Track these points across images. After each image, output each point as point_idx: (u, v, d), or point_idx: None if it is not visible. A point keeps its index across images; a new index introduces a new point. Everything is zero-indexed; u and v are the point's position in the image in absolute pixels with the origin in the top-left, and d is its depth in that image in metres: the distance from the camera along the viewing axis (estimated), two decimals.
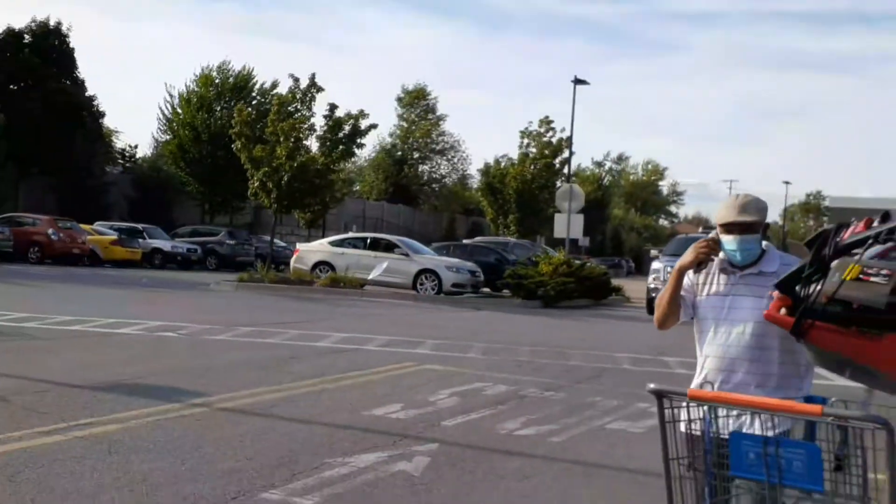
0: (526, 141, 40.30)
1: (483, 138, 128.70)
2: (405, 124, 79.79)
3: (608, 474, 6.25)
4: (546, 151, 39.91)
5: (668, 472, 3.09)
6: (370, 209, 64.12)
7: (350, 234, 29.40)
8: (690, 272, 3.64)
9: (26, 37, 45.59)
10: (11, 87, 43.54)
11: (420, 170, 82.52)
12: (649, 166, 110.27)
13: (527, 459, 6.46)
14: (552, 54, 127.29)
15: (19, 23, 47.12)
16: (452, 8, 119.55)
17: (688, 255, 3.60)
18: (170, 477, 5.46)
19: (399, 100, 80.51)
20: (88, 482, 5.26)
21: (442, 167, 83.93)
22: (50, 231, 31.96)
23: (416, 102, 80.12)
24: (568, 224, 25.46)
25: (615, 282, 28.65)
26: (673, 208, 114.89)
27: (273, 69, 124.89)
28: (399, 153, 78.25)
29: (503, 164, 42.04)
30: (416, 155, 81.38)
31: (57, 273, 26.50)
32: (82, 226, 34.26)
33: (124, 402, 7.50)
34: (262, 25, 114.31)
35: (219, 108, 48.47)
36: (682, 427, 3.11)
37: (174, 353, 10.74)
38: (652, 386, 3.04)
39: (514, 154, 41.51)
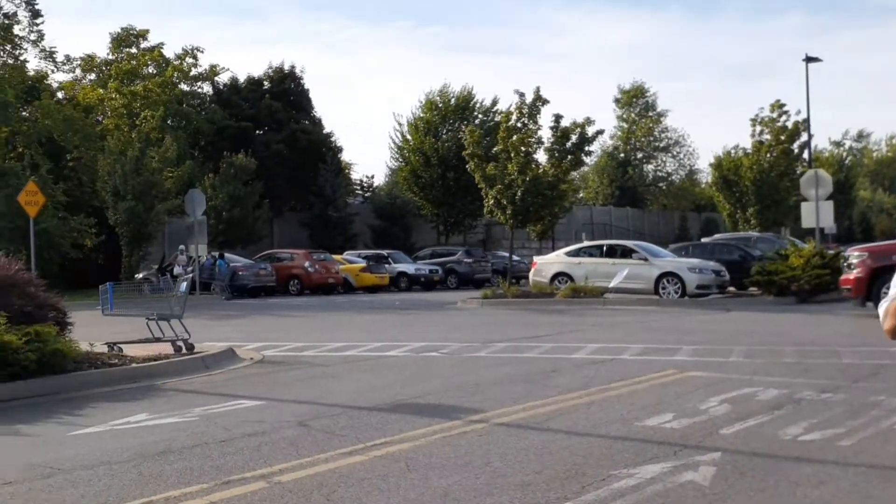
0: (759, 128, 38.62)
1: (709, 130, 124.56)
2: (625, 124, 78.75)
3: None
4: (781, 137, 38.05)
5: None
6: (597, 215, 63.75)
7: (586, 243, 29.47)
8: None
9: (265, 83, 49.37)
10: (258, 132, 47.23)
11: (645, 169, 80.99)
12: (894, 140, 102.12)
13: (819, 465, 6.28)
14: (771, 33, 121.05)
15: (257, 70, 51.02)
16: None
17: None
18: (469, 491, 5.78)
19: (616, 100, 79.57)
20: (396, 498, 5.67)
21: (668, 164, 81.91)
22: (307, 264, 34.31)
23: (635, 101, 78.84)
24: (816, 212, 24.19)
25: None
26: None
27: (489, 85, 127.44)
28: (622, 155, 77.24)
29: (736, 154, 40.51)
30: (639, 155, 80.00)
31: (317, 302, 28.39)
32: (334, 256, 36.49)
33: (410, 422, 8.00)
34: (471, 43, 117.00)
35: (444, 131, 50.14)
36: None
37: (442, 373, 11.28)
38: None
39: (747, 143, 39.92)
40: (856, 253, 19.13)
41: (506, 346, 13.86)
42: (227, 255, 34.08)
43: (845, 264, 19.58)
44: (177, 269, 29.61)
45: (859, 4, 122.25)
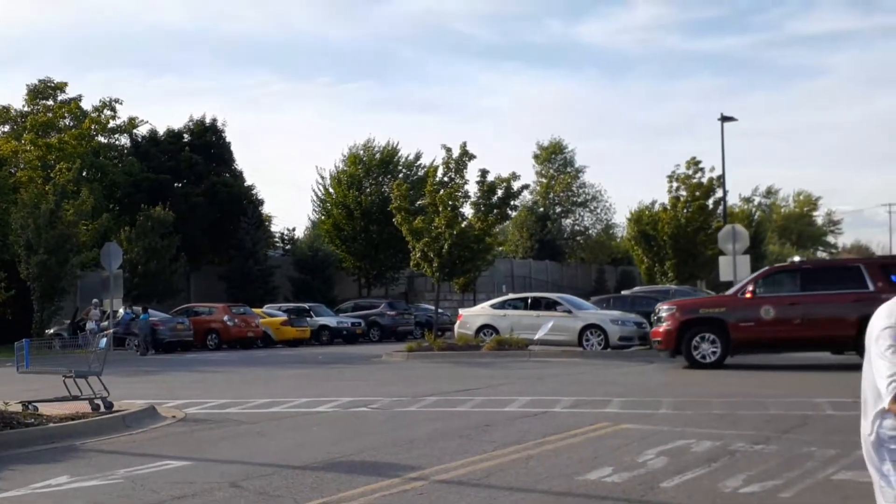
0: (675, 184, 39.69)
1: (625, 185, 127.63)
2: (544, 180, 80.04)
3: None
4: (697, 193, 39.18)
5: None
6: (517, 268, 64.33)
7: (510, 296, 29.62)
8: None
9: (185, 136, 48.71)
10: (176, 184, 46.42)
11: (563, 223, 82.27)
12: (801, 197, 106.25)
13: None
14: (683, 93, 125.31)
15: (177, 123, 50.38)
16: (572, 61, 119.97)
17: None
18: None
19: (536, 156, 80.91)
20: None
21: (585, 219, 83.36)
22: (225, 318, 33.62)
23: (553, 157, 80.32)
24: (734, 266, 24.80)
25: None
26: (831, 238, 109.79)
27: (412, 139, 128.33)
28: (541, 209, 78.34)
29: (654, 209, 41.48)
30: (558, 209, 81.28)
31: (236, 357, 27.77)
32: (253, 310, 35.85)
33: (346, 481, 7.78)
34: (394, 99, 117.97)
35: (368, 185, 50.12)
36: None
37: (375, 429, 11.06)
38: None
39: (662, 198, 40.95)
40: (665, 307, 19.81)
41: (437, 400, 13.71)
42: (136, 308, 33.15)
43: (655, 318, 20.39)
44: (90, 325, 28.68)
45: (766, 67, 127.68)
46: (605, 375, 18.06)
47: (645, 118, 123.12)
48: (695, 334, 18.76)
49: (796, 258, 20.67)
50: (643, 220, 41.82)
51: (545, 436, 10.04)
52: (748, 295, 18.71)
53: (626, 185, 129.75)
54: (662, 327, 19.26)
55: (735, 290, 19.65)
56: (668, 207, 40.09)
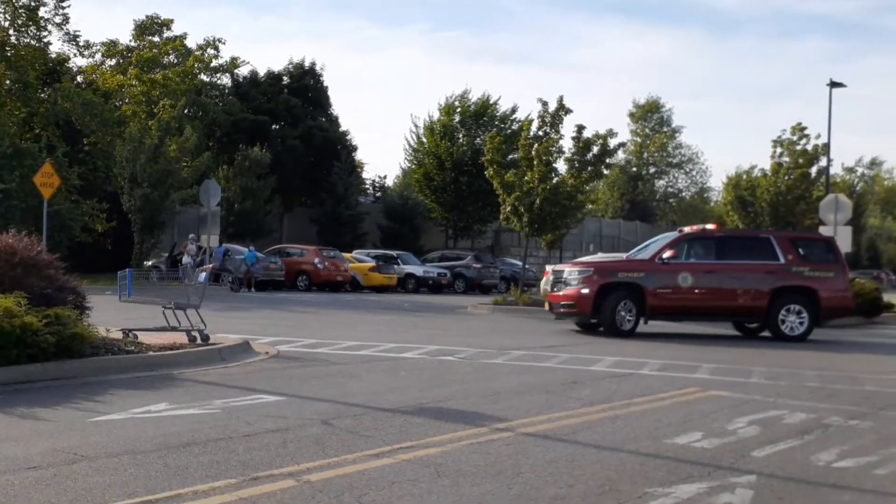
0: (779, 150, 38.51)
1: (722, 149, 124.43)
2: (639, 139, 78.66)
3: None
4: (800, 160, 37.96)
5: None
6: (606, 227, 63.65)
7: (600, 255, 29.34)
8: None
9: (284, 78, 49.34)
10: (274, 126, 47.16)
11: (656, 185, 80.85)
12: None
13: (856, 494, 6.15)
14: (790, 56, 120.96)
15: (276, 65, 51.01)
16: (678, 16, 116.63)
17: None
18: (503, 502, 5.66)
19: (631, 114, 79.49)
20: None
21: (679, 181, 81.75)
22: (316, 260, 34.25)
23: (649, 116, 78.76)
24: (835, 237, 24.00)
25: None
26: None
27: (505, 91, 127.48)
28: (634, 169, 77.09)
29: (753, 175, 40.40)
30: (651, 170, 79.86)
31: (326, 299, 28.30)
32: (343, 254, 36.41)
33: (434, 426, 7.88)
34: (489, 49, 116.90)
35: (461, 136, 50.05)
36: None
37: (461, 378, 11.16)
38: None
39: (762, 163, 39.84)
40: (576, 269, 18.52)
41: (522, 355, 13.75)
42: (236, 247, 34.02)
43: (554, 280, 19.23)
44: (186, 259, 29.54)
45: (879, 32, 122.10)
46: (694, 340, 17.79)
47: (749, 80, 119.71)
48: (618, 300, 17.77)
49: (709, 226, 19.49)
50: (741, 186, 40.79)
51: (632, 397, 9.98)
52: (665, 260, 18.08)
53: (725, 148, 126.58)
54: (574, 290, 18.13)
55: (651, 254, 18.47)
56: (769, 173, 38.96)
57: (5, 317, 9.32)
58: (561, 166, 26.01)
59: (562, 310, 18.70)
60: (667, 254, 18.13)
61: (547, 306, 19.49)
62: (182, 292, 13.57)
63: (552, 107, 25.27)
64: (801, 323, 18.09)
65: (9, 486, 5.55)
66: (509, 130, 46.35)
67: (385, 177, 58.18)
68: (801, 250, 18.47)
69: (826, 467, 6.88)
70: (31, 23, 37.39)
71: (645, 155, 77.10)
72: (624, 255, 20.05)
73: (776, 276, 18.05)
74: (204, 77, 47.20)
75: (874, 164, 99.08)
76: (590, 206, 58.02)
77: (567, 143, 25.61)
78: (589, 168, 25.37)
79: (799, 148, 37.99)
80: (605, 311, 17.74)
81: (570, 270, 18.53)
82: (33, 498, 5.33)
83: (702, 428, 8.22)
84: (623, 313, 17.79)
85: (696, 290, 17.98)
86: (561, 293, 18.52)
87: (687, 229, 19.45)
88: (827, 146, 35.51)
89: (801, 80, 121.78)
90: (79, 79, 43.82)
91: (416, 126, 51.64)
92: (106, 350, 11.00)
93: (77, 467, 6.03)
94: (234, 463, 6.28)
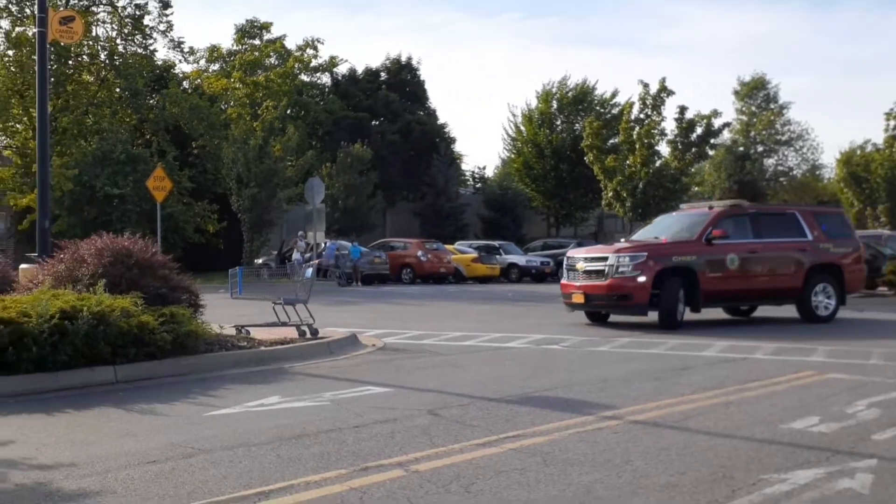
0: (892, 123, 36.84)
1: (833, 124, 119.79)
2: (745, 117, 76.37)
3: None
4: None
5: None
6: None
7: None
8: None
9: (382, 74, 49.88)
10: (374, 122, 47.75)
11: (765, 164, 78.41)
12: None
13: None
14: (893, 26, 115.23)
15: (372, 62, 51.63)
16: None
17: None
18: (612, 490, 5.59)
19: (736, 93, 77.20)
20: (538, 493, 5.53)
21: (790, 159, 79.06)
22: (419, 253, 34.55)
23: (755, 93, 76.36)
24: None
25: None
26: None
27: (602, 76, 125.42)
28: (741, 148, 74.92)
29: (867, 150, 38.80)
30: (759, 149, 77.48)
31: (430, 291, 28.50)
32: (445, 246, 36.61)
33: (540, 415, 7.84)
34: (582, 35, 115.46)
35: (559, 123, 49.64)
36: None
37: (566, 366, 11.08)
38: None
39: (876, 138, 38.20)
40: (626, 254, 15.96)
41: (629, 342, 13.56)
42: (342, 242, 34.62)
43: (572, 267, 16.82)
44: (295, 255, 30.21)
45: None
46: (810, 322, 17.20)
47: (855, 53, 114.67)
48: (676, 287, 15.75)
49: (737, 201, 17.75)
50: (854, 161, 39.21)
51: (745, 382, 9.71)
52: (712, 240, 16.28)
53: (836, 124, 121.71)
54: (625, 279, 15.73)
55: (697, 234, 16.47)
56: (884, 147, 37.32)
57: (123, 316, 9.71)
58: (664, 149, 25.63)
59: (603, 302, 16.25)
60: (715, 233, 16.33)
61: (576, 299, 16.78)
62: (291, 288, 13.88)
63: (653, 89, 24.84)
64: (829, 303, 17.11)
65: (129, 480, 5.78)
66: (609, 115, 45.72)
67: (484, 167, 58.33)
68: (824, 226, 17.32)
69: None
70: (136, 31, 38.85)
71: (752, 133, 74.84)
72: (658, 237, 17.26)
73: (808, 253, 16.94)
74: (304, 77, 48.16)
75: None
76: (695, 189, 56.79)
77: (669, 126, 25.20)
78: (693, 149, 24.85)
79: None
80: (666, 300, 15.67)
81: (616, 256, 15.96)
82: (152, 491, 5.53)
83: (819, 412, 7.94)
84: (680, 303, 15.87)
85: (744, 273, 16.52)
86: (603, 282, 15.93)
87: (716, 206, 17.69)
88: None
89: None
90: (185, 84, 45.29)
91: (513, 115, 51.77)
92: (220, 346, 11.34)
93: (194, 461, 6.24)
94: (344, 454, 6.39)
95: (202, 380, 9.95)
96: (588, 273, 16.30)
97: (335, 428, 7.26)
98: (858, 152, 40.03)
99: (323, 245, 32.70)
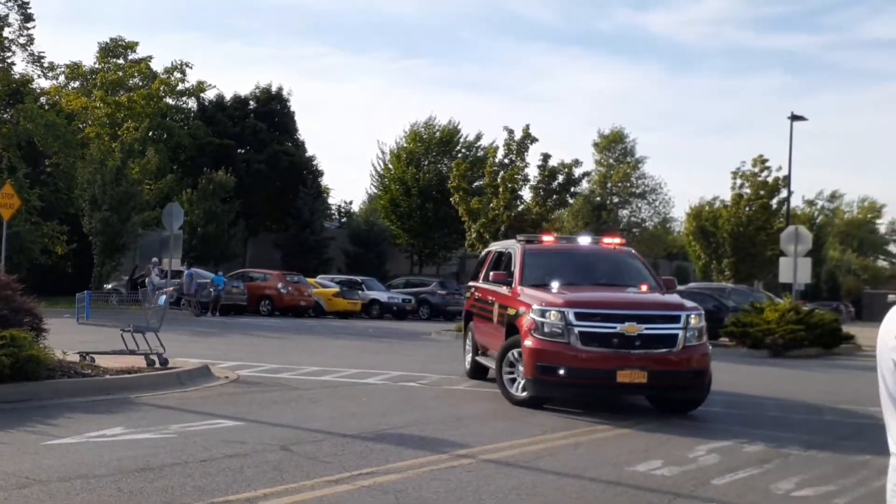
0: (739, 181, 39.03)
1: (686, 179, 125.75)
2: (603, 169, 79.28)
3: None
4: (761, 191, 38.49)
5: None
6: None
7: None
8: None
9: (251, 103, 49.23)
10: (240, 150, 46.97)
11: (620, 214, 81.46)
12: (865, 203, 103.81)
13: None
14: (748, 90, 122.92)
15: (242, 90, 50.90)
16: (636, 50, 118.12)
17: None
18: None
19: (595, 144, 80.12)
20: None
21: (643, 211, 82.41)
22: (280, 285, 34.01)
23: (613, 146, 79.46)
24: (795, 268, 24.36)
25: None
26: (892, 248, 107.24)
27: (470, 120, 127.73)
28: (598, 198, 77.63)
29: (715, 205, 40.91)
30: (615, 199, 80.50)
31: (289, 324, 28.07)
32: (307, 279, 36.19)
33: (395, 452, 7.81)
34: (454, 78, 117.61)
35: (427, 163, 50.19)
36: None
37: (423, 404, 11.10)
38: None
39: (723, 195, 40.41)
40: (693, 312, 11.05)
41: (484, 381, 13.70)
42: (199, 270, 33.71)
43: (651, 331, 10.72)
44: (157, 281, 29.13)
45: (836, 68, 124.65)
46: None
47: (709, 113, 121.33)
48: None
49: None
50: (703, 216, 41.25)
51: (595, 424, 9.98)
52: None
53: (687, 179, 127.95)
54: (700, 346, 11.01)
55: None
56: (731, 204, 39.47)
57: None
58: (526, 194, 26.15)
59: (674, 381, 10.93)
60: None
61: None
62: (141, 315, 13.38)
63: (518, 135, 25.45)
64: None
65: None
66: (474, 157, 46.60)
67: (351, 202, 57.96)
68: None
69: (786, 496, 6.92)
70: None
71: (609, 184, 77.69)
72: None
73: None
74: (169, 100, 46.95)
75: (834, 197, 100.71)
76: (555, 235, 58.43)
77: (533, 172, 25.79)
78: (554, 196, 25.54)
79: (760, 179, 38.53)
80: None
81: (687, 314, 10.97)
82: None
83: (662, 456, 8.23)
84: None
85: None
86: (674, 353, 10.74)
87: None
88: (787, 178, 36.11)
89: (758, 115, 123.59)
90: (42, 100, 43.38)
91: (382, 152, 51.80)
92: (62, 373, 10.78)
93: (28, 491, 5.89)
94: (189, 488, 6.17)
95: (42, 407, 9.43)
96: (645, 340, 10.67)
97: (181, 461, 7.01)
98: (707, 208, 42.16)
99: (186, 272, 31.79)
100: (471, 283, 15.19)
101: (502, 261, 13.58)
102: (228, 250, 41.37)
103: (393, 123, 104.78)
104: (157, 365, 12.36)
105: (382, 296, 37.96)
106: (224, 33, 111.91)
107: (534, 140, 25.37)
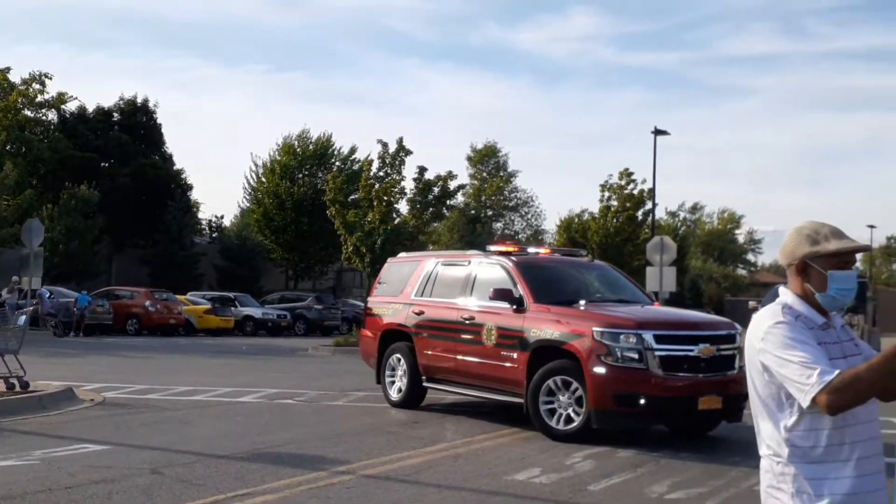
0: (607, 194, 40.22)
1: (556, 192, 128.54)
2: (476, 182, 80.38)
3: None
4: (628, 204, 39.76)
5: None
6: None
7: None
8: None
9: (115, 115, 47.53)
10: (103, 164, 45.23)
11: (494, 227, 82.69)
12: (725, 214, 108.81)
13: None
14: (614, 105, 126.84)
15: (107, 101, 49.09)
16: (506, 65, 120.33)
17: None
18: None
19: (469, 158, 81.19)
20: None
21: (516, 223, 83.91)
22: (147, 303, 32.87)
23: (486, 160, 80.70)
24: (660, 277, 25.19)
25: None
26: (751, 257, 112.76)
27: (346, 133, 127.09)
28: (472, 211, 78.56)
29: (584, 218, 42.00)
30: (489, 212, 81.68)
31: (158, 344, 27.17)
32: (177, 296, 35.11)
33: (272, 472, 7.62)
34: (328, 91, 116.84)
35: (301, 176, 49.57)
36: None
37: (301, 421, 10.89)
38: None
39: (592, 207, 41.52)
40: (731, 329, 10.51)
41: (364, 396, 13.58)
42: (60, 289, 32.25)
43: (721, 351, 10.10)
44: (8, 301, 27.69)
45: (696, 84, 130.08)
46: None
47: (577, 127, 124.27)
48: None
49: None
50: (573, 228, 42.29)
51: (473, 435, 10.02)
52: None
53: (557, 192, 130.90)
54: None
55: None
56: (599, 216, 40.60)
57: None
58: (403, 207, 26.17)
59: (739, 403, 9.87)
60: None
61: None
62: (1, 337, 12.65)
63: (392, 147, 25.46)
64: None
65: None
66: (350, 170, 46.35)
67: (222, 217, 56.46)
68: None
69: (659, 499, 7.11)
70: None
71: (483, 198, 78.78)
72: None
73: None
74: (28, 112, 44.77)
75: (695, 208, 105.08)
76: (431, 247, 58.66)
77: (409, 184, 25.82)
78: (430, 209, 25.65)
79: (626, 192, 39.80)
80: None
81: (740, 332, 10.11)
82: None
83: (540, 464, 8.33)
84: None
85: None
86: (734, 374, 9.93)
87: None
88: (652, 190, 37.41)
89: (624, 129, 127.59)
90: None
91: (256, 165, 50.83)
92: None
93: None
94: None
95: None
96: (716, 362, 9.94)
97: (45, 489, 6.64)
98: (576, 220, 43.23)
99: (47, 293, 30.32)
100: (396, 300, 12.83)
101: (455, 276, 12.03)
102: (92, 267, 39.73)
103: (266, 136, 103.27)
104: (18, 388, 11.74)
105: (256, 312, 37.21)
106: (89, 44, 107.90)
107: (408, 153, 25.43)
